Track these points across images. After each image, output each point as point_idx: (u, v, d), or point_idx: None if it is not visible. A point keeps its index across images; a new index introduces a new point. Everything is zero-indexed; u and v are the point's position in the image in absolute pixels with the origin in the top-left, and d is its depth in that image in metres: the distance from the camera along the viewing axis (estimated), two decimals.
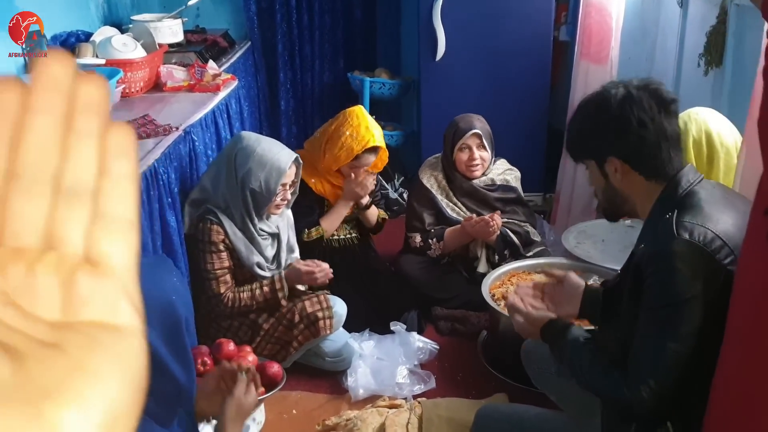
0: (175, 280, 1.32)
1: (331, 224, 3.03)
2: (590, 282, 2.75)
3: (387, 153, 3.02)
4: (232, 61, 3.77)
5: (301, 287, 2.70)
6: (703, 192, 1.57)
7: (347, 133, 2.91)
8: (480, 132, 3.07)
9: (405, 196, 4.27)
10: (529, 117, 4.08)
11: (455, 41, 3.95)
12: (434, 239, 3.12)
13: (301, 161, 2.62)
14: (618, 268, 2.83)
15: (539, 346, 2.13)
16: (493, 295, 2.75)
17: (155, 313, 1.22)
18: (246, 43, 4.21)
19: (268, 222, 2.64)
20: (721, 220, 1.50)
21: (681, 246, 1.46)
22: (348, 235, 3.16)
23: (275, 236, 2.66)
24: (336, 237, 3.13)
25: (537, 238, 3.24)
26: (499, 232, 3.00)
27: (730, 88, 2.90)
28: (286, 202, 2.63)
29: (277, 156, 2.53)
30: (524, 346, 2.19)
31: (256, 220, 2.57)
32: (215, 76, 3.24)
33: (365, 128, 2.93)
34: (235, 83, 3.35)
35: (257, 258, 2.59)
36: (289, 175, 2.57)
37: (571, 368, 1.66)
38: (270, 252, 2.63)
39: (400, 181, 4.36)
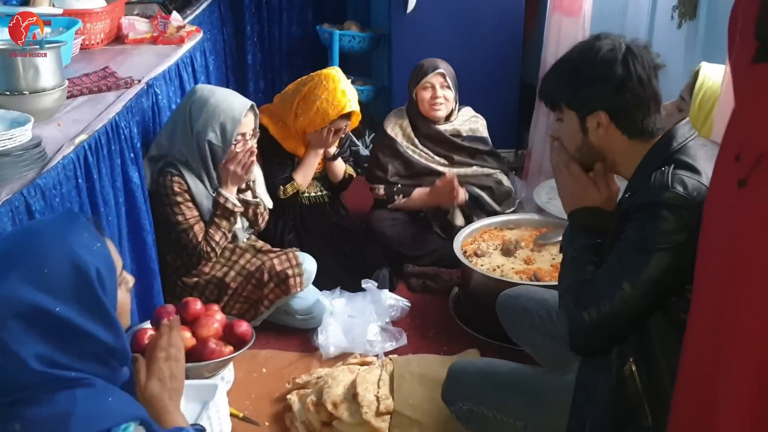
0: (86, 235, 1.24)
1: (305, 177, 2.97)
2: (561, 238, 2.75)
3: (360, 116, 2.95)
4: (196, 13, 3.63)
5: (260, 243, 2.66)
6: (698, 148, 1.54)
7: (322, 96, 2.82)
8: (444, 71, 3.02)
9: None
10: (502, 71, 4.02)
11: None
12: (400, 195, 3.09)
13: (257, 110, 2.54)
14: None
15: (514, 298, 2.13)
16: (465, 252, 2.74)
17: (58, 276, 1.17)
18: None
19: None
20: None
21: (674, 198, 1.43)
22: (318, 193, 3.10)
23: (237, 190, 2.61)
24: (306, 195, 3.07)
25: (508, 184, 3.21)
26: (463, 195, 2.94)
27: (703, 40, 2.86)
28: (250, 152, 2.52)
29: (231, 105, 2.46)
30: (499, 299, 2.17)
31: (214, 174, 2.51)
32: (179, 28, 3.12)
33: (341, 93, 2.83)
34: (200, 35, 3.23)
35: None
36: (246, 124, 2.50)
37: (561, 268, 1.64)
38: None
39: (371, 137, 4.29)
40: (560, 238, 2.69)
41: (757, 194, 1.04)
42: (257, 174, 2.72)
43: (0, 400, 1.14)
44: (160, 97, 2.62)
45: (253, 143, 2.55)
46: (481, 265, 2.64)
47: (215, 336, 2.33)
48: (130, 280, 1.38)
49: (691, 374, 1.25)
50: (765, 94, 1.00)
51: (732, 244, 1.09)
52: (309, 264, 2.71)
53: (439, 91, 3.04)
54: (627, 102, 1.53)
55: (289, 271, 2.58)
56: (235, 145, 2.48)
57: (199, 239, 2.52)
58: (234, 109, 2.46)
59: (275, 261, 2.59)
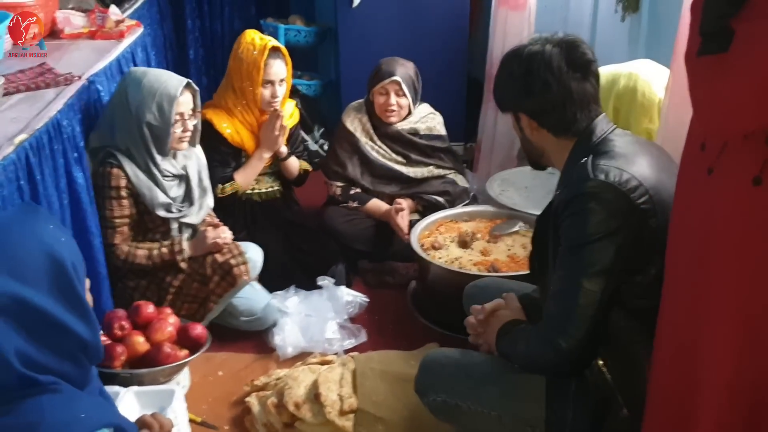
0: (52, 228, 1.19)
1: (246, 178, 2.89)
2: (516, 228, 2.76)
3: (290, 62, 2.90)
4: (135, 6, 3.50)
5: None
6: (617, 139, 1.60)
7: (243, 50, 2.81)
8: (400, 79, 2.98)
9: (326, 147, 4.16)
10: (449, 66, 4.02)
11: None
12: (355, 201, 3.05)
13: (196, 87, 2.46)
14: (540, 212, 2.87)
15: (481, 289, 2.12)
16: (422, 245, 2.72)
17: (38, 268, 1.12)
18: None
19: (174, 162, 2.48)
20: (636, 163, 1.53)
21: (596, 186, 1.48)
22: (270, 188, 3.04)
23: (182, 177, 2.51)
24: (257, 190, 3.00)
25: (465, 184, 3.21)
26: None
27: (646, 33, 2.92)
28: (188, 134, 2.46)
29: (165, 83, 2.38)
30: (466, 290, 2.17)
31: (158, 158, 2.41)
32: (118, 22, 3.00)
33: (259, 38, 2.85)
34: (140, 30, 3.12)
35: (162, 199, 2.42)
36: (184, 103, 2.42)
37: (509, 355, 1.68)
38: (177, 192, 2.48)
39: (321, 132, 4.24)
40: (515, 229, 2.75)
41: (724, 180, 1.06)
42: (198, 156, 2.61)
43: None
44: (102, 93, 2.51)
45: (191, 124, 2.46)
46: (439, 258, 2.62)
47: (169, 340, 2.26)
48: (87, 281, 1.32)
49: (667, 359, 1.25)
50: (711, 85, 1.03)
51: (705, 231, 1.11)
52: (254, 252, 2.65)
53: (393, 98, 3.00)
54: (537, 104, 1.61)
55: (232, 261, 2.50)
56: (175, 124, 2.39)
57: (117, 242, 2.40)
58: (169, 86, 2.38)
59: (216, 255, 2.51)
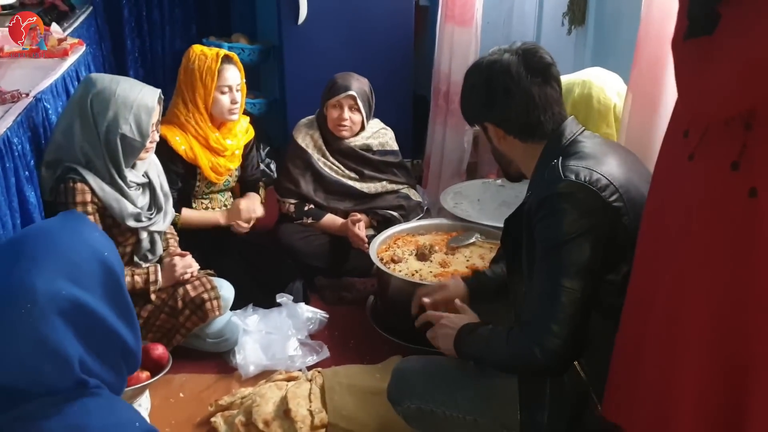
0: (98, 235, 1.17)
1: (191, 221, 2.84)
2: (472, 240, 2.79)
3: (243, 70, 2.90)
4: (74, 26, 3.43)
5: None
6: (586, 141, 1.65)
7: (194, 61, 2.78)
8: (355, 94, 2.99)
9: (272, 167, 4.13)
10: (394, 83, 4.04)
11: (317, 4, 3.84)
12: (309, 218, 3.03)
13: (162, 96, 2.41)
14: (496, 224, 2.92)
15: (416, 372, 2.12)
16: (381, 259, 2.71)
17: (93, 273, 1.10)
18: (87, 8, 3.85)
19: (135, 171, 2.40)
20: (605, 163, 1.57)
21: (567, 186, 1.52)
22: (223, 208, 2.99)
23: (146, 185, 2.45)
24: (211, 210, 2.95)
25: (418, 198, 3.23)
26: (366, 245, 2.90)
27: (592, 44, 3.02)
28: (154, 144, 2.41)
29: (141, 94, 2.31)
30: (396, 371, 2.16)
31: (125, 170, 2.33)
32: (61, 40, 2.93)
33: (208, 49, 2.84)
34: (83, 48, 3.05)
35: (132, 209, 2.35)
36: (156, 114, 2.36)
37: (480, 356, 1.68)
38: (143, 201, 2.42)
39: (266, 151, 4.20)
40: (472, 240, 2.78)
41: (704, 164, 1.08)
42: (155, 162, 2.55)
43: (5, 413, 1.02)
44: (50, 111, 2.44)
45: (157, 135, 2.41)
46: (399, 271, 2.63)
47: None
48: None
49: (635, 334, 1.27)
50: (697, 68, 1.06)
51: (681, 216, 1.13)
52: (227, 291, 2.58)
53: (347, 113, 3.00)
54: (500, 112, 1.65)
55: (205, 296, 2.44)
56: (152, 134, 2.34)
57: None
58: (146, 97, 2.31)
59: (188, 287, 2.45)
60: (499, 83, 1.63)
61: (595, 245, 1.49)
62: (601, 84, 2.12)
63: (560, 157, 1.58)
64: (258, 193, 3.10)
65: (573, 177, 1.52)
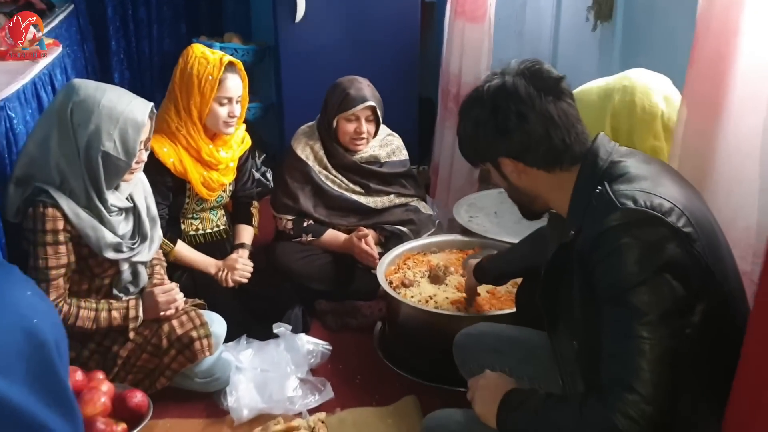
0: (30, 294, 0.92)
1: (183, 258, 2.53)
2: None
3: (246, 79, 2.60)
4: (52, 25, 3.14)
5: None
6: (627, 159, 1.39)
7: (195, 64, 2.45)
8: (375, 104, 2.70)
9: (269, 175, 3.85)
10: (399, 85, 3.77)
11: (315, 1, 3.57)
12: (309, 234, 2.74)
13: (155, 111, 2.11)
14: (515, 240, 2.62)
15: (476, 337, 1.86)
16: (390, 282, 2.43)
17: (9, 349, 0.85)
18: (68, 6, 3.56)
19: (118, 193, 2.10)
20: (660, 183, 1.32)
21: (625, 216, 1.26)
22: (215, 228, 2.70)
23: (129, 210, 2.14)
24: (201, 231, 2.66)
25: (429, 211, 2.94)
26: (377, 259, 2.62)
27: (620, 42, 2.73)
28: (141, 165, 2.11)
29: (129, 106, 2.00)
30: (458, 340, 1.90)
31: (106, 193, 2.03)
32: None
33: (211, 52, 2.51)
34: (59, 50, 2.76)
35: (111, 239, 2.04)
36: (146, 130, 2.06)
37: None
38: (125, 229, 2.11)
39: (262, 159, 3.92)
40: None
41: None
42: (143, 182, 2.25)
43: None
44: (15, 121, 2.15)
45: (145, 155, 2.11)
46: (411, 297, 2.34)
47: (103, 413, 1.91)
48: None
49: None
50: None
51: None
52: (218, 326, 2.27)
53: (364, 126, 2.71)
54: (518, 142, 1.39)
55: (193, 333, 2.15)
56: (140, 153, 2.04)
57: (51, 299, 1.98)
58: (135, 110, 2.00)
59: (174, 323, 2.15)
60: (510, 110, 1.37)
61: (671, 282, 1.21)
62: (645, 88, 1.82)
63: (605, 182, 1.32)
64: (250, 223, 2.79)
65: (631, 204, 1.25)
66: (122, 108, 1.97)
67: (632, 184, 1.30)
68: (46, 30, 2.99)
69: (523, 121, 1.37)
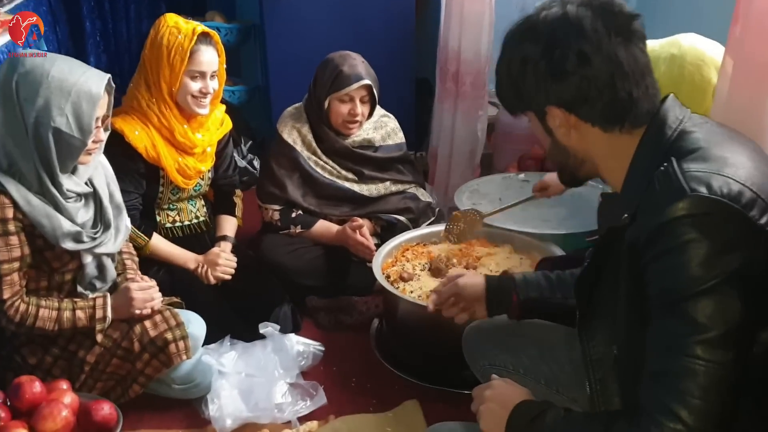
0: None
1: (159, 252, 2.31)
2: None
3: (223, 53, 2.32)
4: (16, 2, 2.90)
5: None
6: (697, 130, 1.13)
7: (163, 35, 2.21)
8: (371, 83, 2.47)
9: (256, 163, 3.62)
10: (393, 65, 3.53)
11: None
12: (298, 226, 2.52)
13: (113, 84, 1.86)
14: (525, 229, 2.41)
15: (486, 334, 1.65)
16: (388, 276, 2.21)
17: None
18: None
19: (76, 177, 1.87)
20: (740, 164, 1.06)
21: (699, 206, 1.00)
22: (194, 220, 2.46)
23: (89, 195, 1.91)
24: (179, 224, 2.43)
25: (427, 198, 2.72)
26: (373, 250, 2.42)
27: (635, 4, 2.50)
28: (99, 145, 1.88)
29: (83, 77, 1.76)
30: (467, 336, 1.70)
31: (60, 177, 1.80)
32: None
33: (184, 22, 2.26)
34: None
35: (68, 227, 1.81)
36: (103, 105, 1.83)
37: None
38: (84, 216, 1.88)
39: (248, 145, 3.69)
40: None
41: None
42: (104, 166, 2.01)
43: None
44: None
45: (104, 133, 1.87)
46: (411, 292, 2.12)
47: (65, 429, 1.69)
48: None
49: None
50: None
51: None
52: (196, 327, 2.04)
53: (359, 107, 2.48)
54: (575, 88, 1.14)
55: (168, 335, 1.92)
56: (96, 131, 1.80)
57: (6, 296, 1.78)
58: (89, 81, 1.76)
59: (147, 324, 1.93)
60: (570, 48, 1.12)
61: (743, 293, 0.98)
62: (696, 59, 1.57)
63: (672, 158, 1.07)
64: (233, 213, 2.56)
65: (704, 190, 1.01)
66: (75, 79, 1.74)
67: (706, 164, 1.04)
68: (8, 6, 2.76)
69: (584, 63, 1.12)
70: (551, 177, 2.35)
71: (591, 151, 1.20)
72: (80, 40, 3.68)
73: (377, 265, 2.24)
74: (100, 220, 1.92)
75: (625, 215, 1.11)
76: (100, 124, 1.83)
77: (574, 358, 1.49)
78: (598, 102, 1.14)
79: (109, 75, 1.83)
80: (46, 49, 1.76)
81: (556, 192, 2.37)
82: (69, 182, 1.83)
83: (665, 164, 1.06)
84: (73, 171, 1.86)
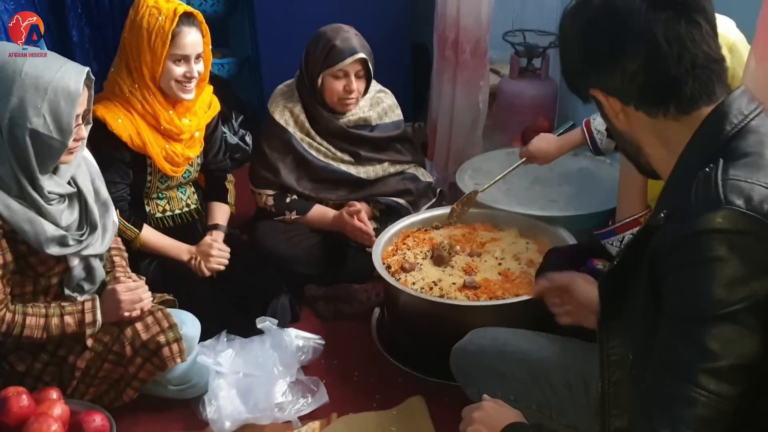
0: None
1: (150, 244, 2.20)
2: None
3: (208, 33, 2.18)
4: None
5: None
6: (763, 129, 1.00)
7: (143, 16, 2.06)
8: (366, 56, 2.34)
9: (248, 139, 3.50)
10: (388, 30, 3.41)
11: None
12: (293, 212, 2.42)
13: (92, 77, 1.73)
14: (532, 211, 2.31)
15: (475, 357, 1.58)
16: (388, 267, 2.12)
17: None
18: None
19: (57, 177, 1.75)
20: None
21: (734, 222, 0.90)
22: (185, 208, 2.35)
23: (72, 196, 1.80)
24: (169, 213, 2.32)
25: (428, 178, 2.61)
26: (373, 236, 2.33)
27: None
28: (81, 143, 1.77)
29: (59, 73, 1.64)
30: (454, 358, 1.64)
31: (40, 179, 1.68)
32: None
33: (165, 1, 2.10)
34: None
35: (52, 232, 1.71)
36: (83, 102, 1.71)
37: None
38: (69, 218, 1.77)
39: (239, 120, 3.56)
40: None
41: None
42: (88, 160, 1.90)
43: None
44: None
45: (86, 129, 1.76)
46: (413, 283, 2.03)
47: None
48: None
49: None
50: None
51: None
52: (190, 328, 1.95)
53: (354, 83, 2.36)
54: (603, 68, 1.05)
55: (161, 338, 1.84)
56: (77, 129, 1.69)
57: None
58: (67, 77, 1.64)
59: (138, 326, 1.84)
60: (615, 24, 1.03)
61: (764, 325, 0.90)
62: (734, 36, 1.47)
63: (720, 160, 0.96)
64: (225, 200, 2.44)
65: (740, 203, 0.91)
66: (51, 76, 1.61)
67: (755, 172, 0.94)
68: None
69: (614, 45, 1.03)
70: (536, 146, 2.28)
71: (641, 138, 1.09)
72: (61, 13, 3.52)
73: (377, 255, 2.15)
74: (86, 222, 1.82)
75: (662, 213, 1.00)
76: (80, 121, 1.71)
77: (569, 377, 1.42)
78: (632, 84, 1.03)
79: (87, 68, 1.70)
80: (46, 50, 1.65)
81: (545, 161, 2.30)
82: (50, 183, 1.72)
83: (711, 165, 0.95)
84: (55, 171, 1.75)
